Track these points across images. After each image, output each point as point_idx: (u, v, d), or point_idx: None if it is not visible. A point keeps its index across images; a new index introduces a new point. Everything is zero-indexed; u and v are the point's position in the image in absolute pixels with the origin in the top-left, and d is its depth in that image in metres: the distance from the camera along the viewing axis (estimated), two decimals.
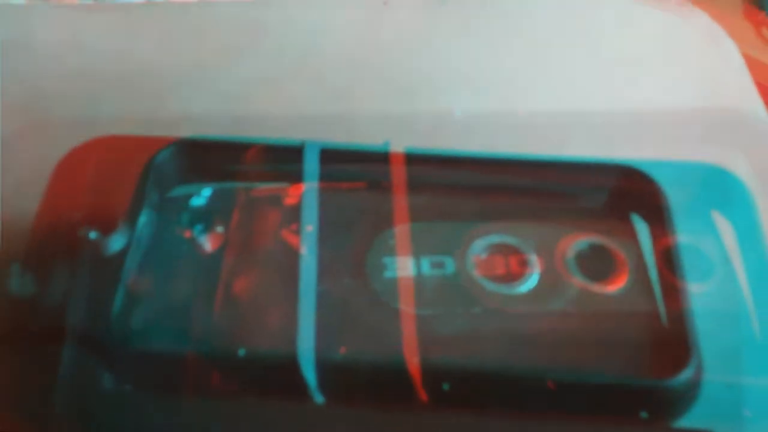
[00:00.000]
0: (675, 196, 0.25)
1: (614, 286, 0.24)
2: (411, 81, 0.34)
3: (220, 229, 0.25)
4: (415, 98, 0.33)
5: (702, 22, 0.35)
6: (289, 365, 0.21)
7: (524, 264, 0.24)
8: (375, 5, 0.37)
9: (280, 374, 0.21)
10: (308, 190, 0.26)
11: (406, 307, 0.23)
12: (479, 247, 0.25)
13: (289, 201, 0.26)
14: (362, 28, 0.36)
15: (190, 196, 0.26)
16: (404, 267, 0.24)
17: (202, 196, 0.26)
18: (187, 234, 0.25)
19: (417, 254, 0.24)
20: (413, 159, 0.26)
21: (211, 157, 0.27)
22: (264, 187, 0.26)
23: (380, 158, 0.26)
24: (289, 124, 0.31)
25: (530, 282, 0.24)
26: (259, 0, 0.39)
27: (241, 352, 0.21)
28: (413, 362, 0.21)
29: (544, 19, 0.36)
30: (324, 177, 0.26)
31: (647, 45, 0.34)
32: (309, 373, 0.21)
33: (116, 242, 0.23)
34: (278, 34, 0.36)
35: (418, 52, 0.35)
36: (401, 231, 0.25)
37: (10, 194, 0.29)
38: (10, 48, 0.35)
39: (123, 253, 0.23)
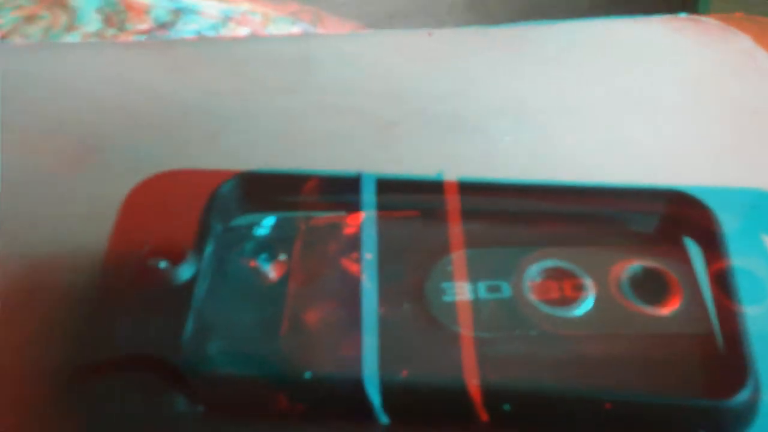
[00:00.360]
0: (726, 221, 0.26)
1: (669, 309, 0.24)
2: (457, 111, 0.34)
3: (282, 257, 0.26)
4: (461, 127, 0.34)
5: (746, 46, 0.35)
6: (354, 387, 0.22)
7: (579, 288, 0.25)
8: (420, 36, 0.38)
9: (345, 396, 0.22)
10: (367, 219, 0.26)
11: (465, 330, 0.24)
12: (534, 272, 0.25)
13: (349, 230, 0.26)
14: (407, 59, 0.37)
15: (252, 226, 0.27)
16: (462, 291, 0.24)
17: (265, 226, 0.27)
18: (251, 263, 0.26)
19: (474, 279, 0.25)
20: (467, 188, 0.27)
21: (271, 189, 0.28)
22: (323, 217, 0.27)
23: (435, 188, 0.27)
24: (338, 158, 0.32)
25: (585, 305, 0.24)
26: (305, 35, 0.40)
27: (307, 375, 0.22)
28: (473, 383, 0.22)
29: (587, 48, 0.37)
30: (381, 207, 0.27)
31: (692, 71, 0.35)
32: (374, 395, 0.21)
33: (185, 271, 0.24)
34: (325, 67, 0.37)
35: (462, 83, 0.36)
36: (458, 257, 0.25)
37: (76, 229, 0.30)
38: (60, 86, 0.36)
39: (191, 282, 0.24)
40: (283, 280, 0.25)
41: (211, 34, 0.44)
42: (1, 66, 0.37)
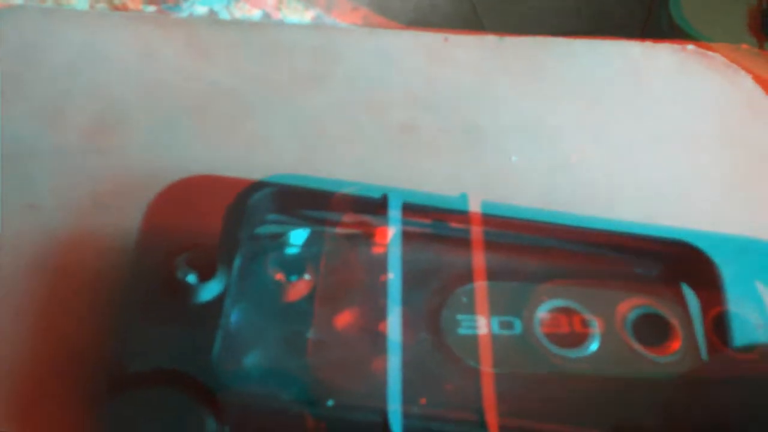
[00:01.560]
0: (724, 267, 0.28)
1: (668, 351, 0.27)
2: (472, 121, 0.35)
3: (305, 275, 0.27)
4: (473, 137, 0.35)
5: (748, 86, 0.37)
6: (376, 416, 0.23)
7: (586, 325, 0.27)
8: (437, 41, 0.39)
9: (366, 424, 0.23)
10: (392, 240, 0.27)
11: (478, 364, 0.25)
12: (545, 309, 0.27)
13: (374, 250, 0.27)
14: (424, 62, 0.38)
15: (277, 238, 0.28)
16: (476, 325, 0.26)
17: (292, 240, 0.28)
18: (277, 277, 0.27)
19: (487, 313, 0.26)
20: (489, 218, 0.28)
21: (297, 201, 0.28)
22: (349, 234, 0.28)
23: (458, 214, 0.28)
24: (352, 159, 0.33)
25: (592, 344, 0.26)
26: (324, 27, 0.40)
27: (330, 403, 0.23)
28: (487, 417, 0.24)
29: (595, 67, 0.38)
30: (405, 227, 0.28)
31: (695, 109, 0.36)
32: (396, 426, 0.23)
33: (215, 287, 0.25)
34: (343, 62, 0.38)
35: (477, 92, 0.37)
36: (473, 289, 0.27)
37: (92, 209, 0.31)
38: (84, 56, 0.36)
39: (221, 297, 0.25)
40: (310, 298, 0.26)
41: (222, 9, 0.44)
42: (16, 29, 0.37)
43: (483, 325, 0.26)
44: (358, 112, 0.35)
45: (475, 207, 0.29)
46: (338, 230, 0.28)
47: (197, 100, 0.35)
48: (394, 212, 0.28)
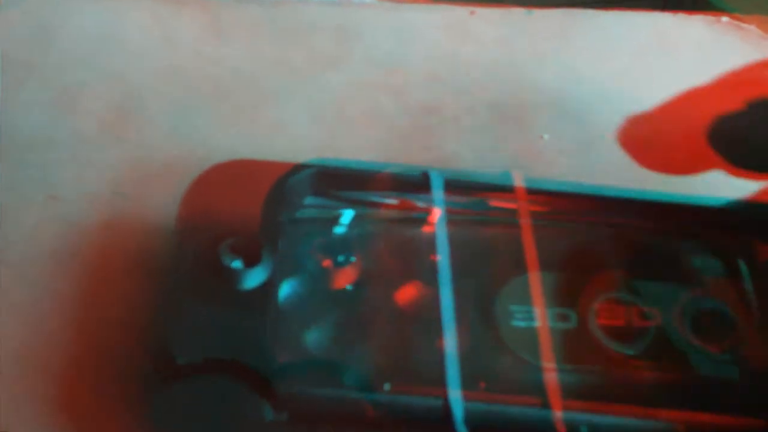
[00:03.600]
0: None
1: (726, 348, 0.25)
2: (499, 99, 0.34)
3: (352, 257, 0.26)
4: (501, 115, 0.34)
5: None
6: (436, 400, 0.22)
7: (644, 319, 0.25)
8: (462, 15, 0.38)
9: (427, 409, 0.23)
10: (439, 221, 0.26)
11: (535, 358, 0.24)
12: (601, 301, 0.26)
13: (421, 232, 0.27)
14: (449, 38, 0.37)
15: (320, 222, 0.27)
16: (531, 317, 0.25)
17: (334, 223, 0.27)
18: (325, 262, 0.26)
19: (543, 304, 0.25)
20: (535, 192, 0.27)
21: (336, 183, 0.28)
22: (393, 215, 0.27)
23: (503, 191, 0.27)
24: (376, 141, 0.32)
25: (649, 338, 0.25)
26: (344, 3, 0.39)
27: (386, 386, 0.23)
28: (547, 410, 0.23)
29: (629, 40, 0.37)
30: (449, 207, 0.27)
31: (731, 83, 0.35)
32: (457, 409, 0.22)
33: (260, 272, 0.24)
34: (365, 40, 0.37)
35: (505, 69, 0.36)
36: (527, 278, 0.26)
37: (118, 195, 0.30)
38: (100, 40, 0.36)
39: (267, 283, 0.24)
40: (359, 282, 0.25)
41: None
42: (33, 14, 0.37)
43: (538, 316, 0.25)
44: (379, 93, 0.35)
45: (519, 185, 0.28)
46: (382, 211, 0.27)
47: (216, 85, 0.34)
48: (438, 191, 0.27)
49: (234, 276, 0.24)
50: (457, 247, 0.26)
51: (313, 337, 0.24)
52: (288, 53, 0.36)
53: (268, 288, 0.24)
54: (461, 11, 0.37)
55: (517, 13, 0.38)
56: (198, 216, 0.26)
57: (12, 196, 0.30)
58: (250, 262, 0.24)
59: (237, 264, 0.24)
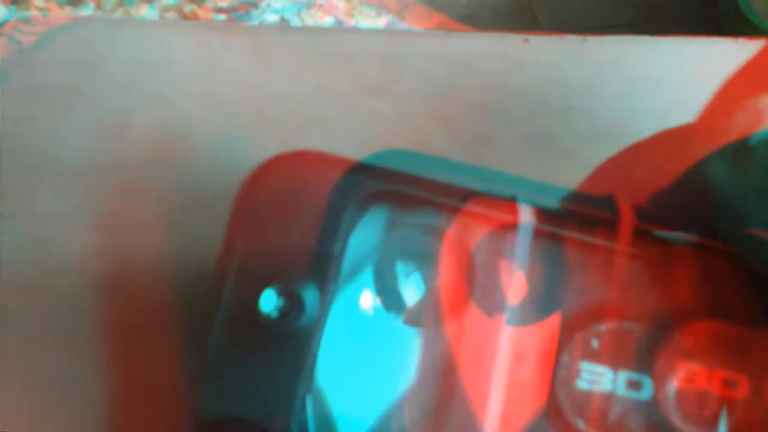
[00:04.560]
0: None
1: None
2: (552, 131, 0.33)
3: (416, 294, 0.23)
4: (553, 147, 0.33)
5: None
6: None
7: (728, 388, 0.21)
8: (515, 42, 0.37)
9: None
10: (519, 256, 0.23)
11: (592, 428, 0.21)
12: (686, 371, 0.22)
13: (501, 259, 0.23)
14: (501, 67, 0.36)
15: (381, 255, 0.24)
16: (599, 379, 0.21)
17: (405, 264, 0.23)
18: (372, 305, 0.23)
19: (614, 364, 0.21)
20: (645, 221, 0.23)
21: (401, 203, 0.24)
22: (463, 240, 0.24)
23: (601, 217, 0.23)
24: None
25: (731, 415, 0.21)
26: (393, 31, 0.39)
27: None
28: None
29: (687, 68, 0.36)
30: (534, 237, 0.23)
31: None
32: None
33: (303, 321, 0.22)
34: (412, 69, 0.36)
35: (558, 99, 0.35)
36: (604, 329, 0.22)
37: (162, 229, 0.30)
38: (147, 67, 0.36)
39: (311, 331, 0.22)
40: (414, 329, 0.22)
41: (293, 17, 0.43)
42: (82, 41, 0.37)
43: (607, 379, 0.21)
44: (427, 122, 0.34)
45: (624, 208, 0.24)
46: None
47: (261, 112, 0.34)
48: (525, 215, 0.23)
49: (273, 326, 0.22)
50: (535, 288, 0.22)
51: (352, 403, 0.22)
52: (333, 81, 0.35)
53: (311, 338, 0.22)
54: (514, 39, 0.37)
55: (572, 40, 0.36)
56: (239, 255, 0.24)
57: (59, 224, 0.30)
58: (293, 308, 0.22)
59: (276, 312, 0.22)
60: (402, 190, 0.24)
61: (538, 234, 0.23)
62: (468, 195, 0.24)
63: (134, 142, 0.33)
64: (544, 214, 0.23)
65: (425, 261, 0.23)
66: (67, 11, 0.51)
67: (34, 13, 0.44)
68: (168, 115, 0.34)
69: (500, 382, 0.21)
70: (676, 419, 0.21)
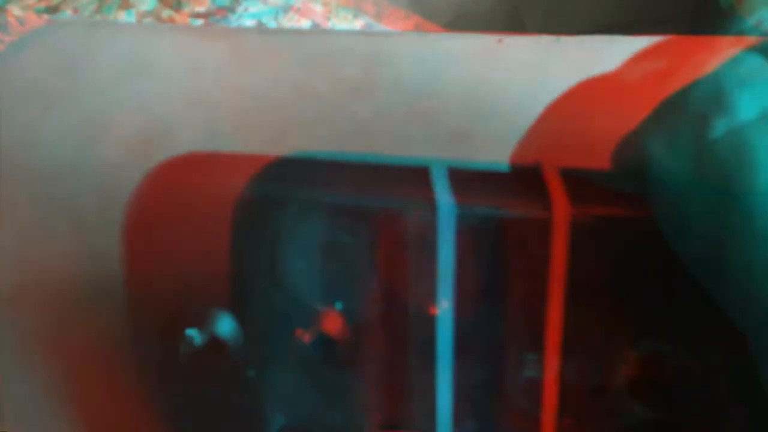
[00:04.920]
0: None
1: None
2: (528, 123, 0.34)
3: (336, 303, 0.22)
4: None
5: None
6: None
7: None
8: (489, 42, 0.37)
9: None
10: (443, 234, 0.21)
11: (541, 412, 0.21)
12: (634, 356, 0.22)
13: (429, 249, 0.22)
14: (478, 66, 0.36)
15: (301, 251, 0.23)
16: (545, 367, 0.21)
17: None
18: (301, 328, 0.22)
19: (561, 350, 0.21)
20: (578, 189, 0.21)
21: (321, 182, 0.23)
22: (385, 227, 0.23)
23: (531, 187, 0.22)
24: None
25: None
26: (370, 33, 0.39)
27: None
28: None
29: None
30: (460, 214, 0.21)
31: None
32: None
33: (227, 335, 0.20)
34: (391, 69, 0.36)
35: (532, 94, 0.35)
36: (546, 320, 0.21)
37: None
38: (125, 70, 0.36)
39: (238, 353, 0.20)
40: (354, 342, 0.21)
41: (271, 21, 0.43)
42: (60, 44, 0.37)
43: (551, 367, 0.21)
44: (407, 122, 0.34)
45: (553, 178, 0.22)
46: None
47: (240, 113, 0.34)
48: (442, 190, 0.22)
49: (192, 349, 0.20)
50: (464, 285, 0.21)
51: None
52: (312, 82, 0.36)
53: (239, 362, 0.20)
54: (488, 39, 0.37)
55: (546, 40, 0.37)
56: (149, 271, 0.22)
57: (37, 228, 0.30)
58: (216, 330, 0.20)
59: (197, 339, 0.20)
60: (310, 192, 0.23)
61: (463, 215, 0.22)
62: (383, 188, 0.23)
63: (113, 144, 0.33)
64: (466, 194, 0.22)
65: (345, 271, 0.22)
66: (45, 19, 0.50)
67: (10, 20, 0.44)
68: (148, 117, 0.34)
69: (446, 376, 0.20)
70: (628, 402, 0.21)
